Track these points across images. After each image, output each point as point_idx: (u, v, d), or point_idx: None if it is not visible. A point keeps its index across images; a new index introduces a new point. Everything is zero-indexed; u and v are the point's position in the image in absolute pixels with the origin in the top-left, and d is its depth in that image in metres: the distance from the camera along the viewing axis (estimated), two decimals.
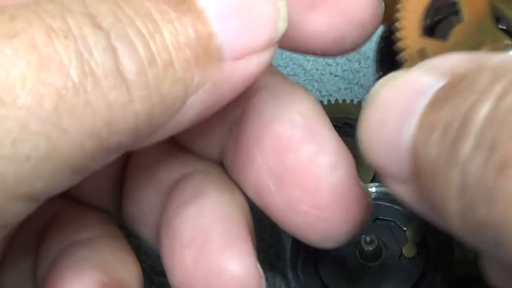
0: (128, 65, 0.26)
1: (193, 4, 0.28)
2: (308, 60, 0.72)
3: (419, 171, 0.25)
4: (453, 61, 0.26)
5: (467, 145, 0.22)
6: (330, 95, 0.67)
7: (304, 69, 0.72)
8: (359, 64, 0.72)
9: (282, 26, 0.30)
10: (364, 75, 0.71)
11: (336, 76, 0.71)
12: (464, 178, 0.22)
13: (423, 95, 0.25)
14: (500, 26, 0.38)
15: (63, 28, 0.25)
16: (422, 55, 0.39)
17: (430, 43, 0.38)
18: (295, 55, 0.72)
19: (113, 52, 0.25)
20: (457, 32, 0.38)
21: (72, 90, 0.24)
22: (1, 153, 0.23)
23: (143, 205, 0.39)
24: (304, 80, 0.71)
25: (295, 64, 0.72)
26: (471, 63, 0.25)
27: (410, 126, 0.25)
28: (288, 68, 0.71)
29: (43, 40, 0.24)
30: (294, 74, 0.71)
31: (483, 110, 0.22)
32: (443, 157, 0.23)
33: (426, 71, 0.26)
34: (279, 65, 0.72)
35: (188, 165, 0.38)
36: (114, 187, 0.40)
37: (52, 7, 0.25)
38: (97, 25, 0.26)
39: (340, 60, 0.72)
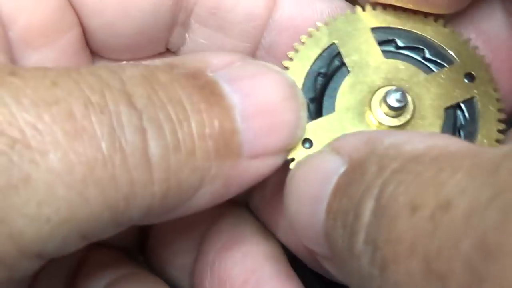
0: (154, 147, 0.26)
1: (222, 99, 0.29)
2: None
3: (334, 254, 0.27)
4: (352, 144, 0.28)
5: (360, 240, 0.24)
6: None
7: None
8: None
9: (299, 134, 0.32)
10: None
11: None
12: (360, 271, 0.24)
13: (329, 180, 0.27)
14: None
15: (100, 103, 0.26)
16: None
17: None
18: None
19: (143, 133, 0.26)
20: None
21: (101, 162, 0.25)
22: (24, 212, 0.24)
23: (174, 247, 0.39)
24: None
25: None
26: (366, 147, 0.27)
27: (320, 212, 0.27)
28: None
29: (80, 111, 0.25)
30: None
31: (369, 205, 0.24)
32: (346, 248, 0.25)
33: (332, 152, 0.28)
34: None
35: (219, 209, 0.37)
36: (138, 227, 0.40)
37: (92, 80, 0.27)
38: (131, 105, 0.27)
39: None
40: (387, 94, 0.33)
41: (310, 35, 0.36)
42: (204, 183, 0.29)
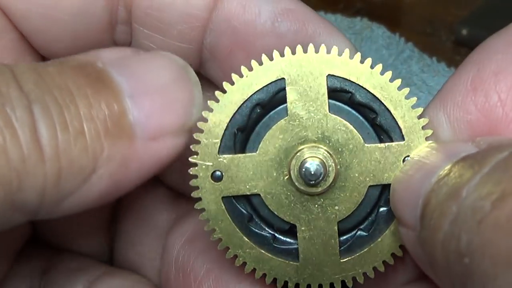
0: (42, 128, 0.27)
1: (109, 83, 0.30)
2: None
3: (423, 214, 0.28)
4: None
5: (472, 182, 0.25)
6: None
7: None
8: None
9: (195, 112, 0.31)
10: None
11: None
12: (459, 209, 0.25)
13: (453, 156, 0.29)
14: None
15: None
16: None
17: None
18: None
19: (31, 112, 0.27)
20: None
21: None
22: None
23: (140, 247, 0.40)
24: None
25: None
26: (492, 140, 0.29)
27: (430, 183, 0.28)
28: None
29: None
30: None
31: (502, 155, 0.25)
32: (447, 194, 0.26)
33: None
34: None
35: (182, 206, 0.40)
36: (105, 233, 0.42)
37: None
38: (21, 88, 0.28)
39: None
40: (303, 163, 0.32)
41: (261, 63, 0.34)
42: (98, 165, 0.29)
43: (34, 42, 0.36)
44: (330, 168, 0.32)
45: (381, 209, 0.33)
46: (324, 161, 0.32)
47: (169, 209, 0.41)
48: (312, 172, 0.32)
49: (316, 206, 0.33)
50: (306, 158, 0.32)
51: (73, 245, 0.42)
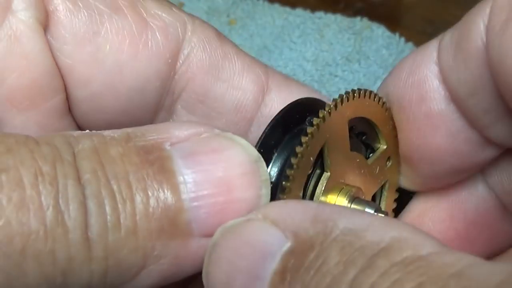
0: (94, 226, 0.26)
1: (171, 176, 0.28)
2: (308, 61, 0.72)
3: None
4: (296, 219, 0.26)
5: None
6: (330, 95, 0.67)
7: (304, 69, 0.72)
8: (359, 64, 0.72)
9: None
10: (364, 75, 0.71)
11: (336, 76, 0.71)
12: None
13: (271, 258, 0.25)
14: None
15: (51, 174, 0.26)
16: None
17: None
18: (295, 55, 0.72)
19: (85, 209, 0.26)
20: None
21: (42, 236, 0.25)
22: None
23: None
24: (304, 80, 0.71)
25: (295, 64, 0.72)
26: (316, 226, 0.25)
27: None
28: (288, 68, 0.72)
29: (29, 181, 0.25)
30: (294, 74, 0.71)
31: None
32: None
33: (271, 224, 0.26)
34: (279, 66, 0.72)
35: None
36: None
37: (47, 150, 0.26)
38: (78, 179, 0.26)
39: (340, 60, 0.72)
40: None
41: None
42: (148, 263, 0.28)
43: (81, 110, 0.35)
44: None
45: None
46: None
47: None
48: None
49: None
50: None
51: None
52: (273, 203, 0.29)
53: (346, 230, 0.24)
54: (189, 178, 0.28)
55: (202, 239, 0.28)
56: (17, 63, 0.32)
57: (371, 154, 0.35)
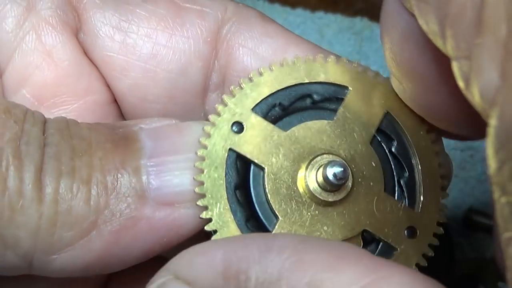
0: (48, 168, 0.27)
1: (132, 142, 0.30)
2: None
3: None
4: (209, 276, 0.25)
5: None
6: None
7: None
8: None
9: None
10: None
11: None
12: None
13: None
14: None
15: (19, 116, 0.28)
16: None
17: None
18: None
19: (42, 153, 0.28)
20: None
21: None
22: None
23: None
24: None
25: None
26: (229, 284, 0.25)
27: None
28: None
29: None
30: None
31: None
32: None
33: (178, 283, 0.26)
34: None
35: None
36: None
37: (22, 108, 0.29)
38: (43, 131, 0.29)
39: None
40: (331, 163, 0.31)
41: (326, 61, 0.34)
42: (100, 220, 0.28)
43: (127, 100, 0.35)
44: (349, 181, 0.32)
45: None
46: (348, 171, 0.31)
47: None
48: (340, 176, 0.31)
49: (304, 212, 0.32)
50: (333, 160, 0.31)
51: None
52: (180, 256, 0.27)
53: (259, 285, 0.24)
54: (148, 146, 0.29)
55: (156, 209, 0.29)
56: (40, 60, 0.32)
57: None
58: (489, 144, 0.21)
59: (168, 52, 0.34)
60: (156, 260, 0.38)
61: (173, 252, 0.33)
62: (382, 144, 0.34)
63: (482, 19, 0.21)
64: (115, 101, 0.36)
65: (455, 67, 0.22)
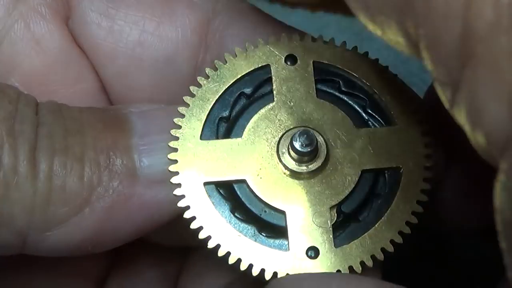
0: (42, 147, 0.28)
1: (123, 121, 0.30)
2: None
3: None
4: None
5: None
6: None
7: None
8: None
9: None
10: None
11: None
12: None
13: None
14: None
15: (13, 96, 0.29)
16: None
17: None
18: None
19: (35, 132, 0.28)
20: None
21: None
22: None
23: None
24: None
25: None
26: None
27: None
28: None
29: None
30: None
31: None
32: None
33: None
34: None
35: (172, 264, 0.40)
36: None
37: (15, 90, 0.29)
38: (36, 112, 0.29)
39: None
40: (294, 137, 0.31)
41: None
42: (93, 197, 0.28)
43: (113, 88, 0.36)
44: (320, 144, 0.32)
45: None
46: (315, 135, 0.32)
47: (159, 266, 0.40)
48: (306, 142, 0.31)
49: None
50: (296, 133, 0.32)
51: None
52: None
53: None
54: (139, 125, 0.30)
55: (147, 187, 0.30)
56: (28, 48, 0.33)
57: None
58: (497, 200, 0.20)
59: (155, 40, 0.34)
60: (156, 257, 0.39)
61: (161, 234, 0.34)
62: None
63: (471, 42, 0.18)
64: (105, 90, 0.37)
65: (437, 88, 0.21)
